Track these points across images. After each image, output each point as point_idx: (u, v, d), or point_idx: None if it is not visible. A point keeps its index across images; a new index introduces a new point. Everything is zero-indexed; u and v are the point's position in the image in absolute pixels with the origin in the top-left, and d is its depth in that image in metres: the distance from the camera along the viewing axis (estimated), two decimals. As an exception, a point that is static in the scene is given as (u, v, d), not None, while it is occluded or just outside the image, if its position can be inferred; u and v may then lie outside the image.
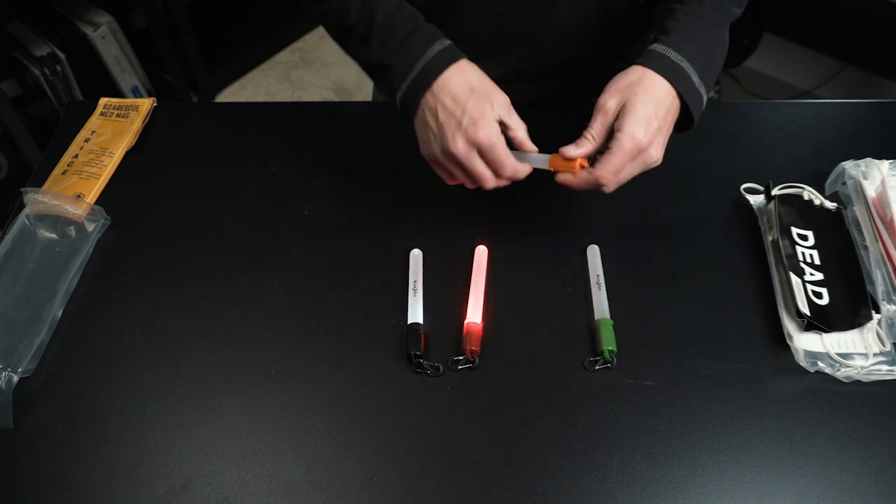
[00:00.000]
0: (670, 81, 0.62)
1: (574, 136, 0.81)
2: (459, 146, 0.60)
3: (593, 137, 0.63)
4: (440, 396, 0.62)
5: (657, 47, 0.64)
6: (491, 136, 0.59)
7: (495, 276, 0.71)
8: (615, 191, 0.62)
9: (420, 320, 0.66)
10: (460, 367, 0.64)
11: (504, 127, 0.62)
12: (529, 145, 0.64)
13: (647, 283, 0.70)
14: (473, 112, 0.59)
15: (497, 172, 0.62)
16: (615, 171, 0.61)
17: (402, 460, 0.58)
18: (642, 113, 0.60)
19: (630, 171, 0.62)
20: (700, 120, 0.65)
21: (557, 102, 0.88)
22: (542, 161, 0.64)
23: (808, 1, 1.88)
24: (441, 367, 0.63)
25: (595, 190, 0.63)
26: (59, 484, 0.58)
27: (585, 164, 0.63)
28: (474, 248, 0.73)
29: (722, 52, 0.68)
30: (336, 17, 0.67)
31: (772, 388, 0.62)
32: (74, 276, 0.72)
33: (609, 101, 0.62)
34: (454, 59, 0.61)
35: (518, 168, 0.63)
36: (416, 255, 0.72)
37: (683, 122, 0.66)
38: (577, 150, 0.63)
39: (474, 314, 0.66)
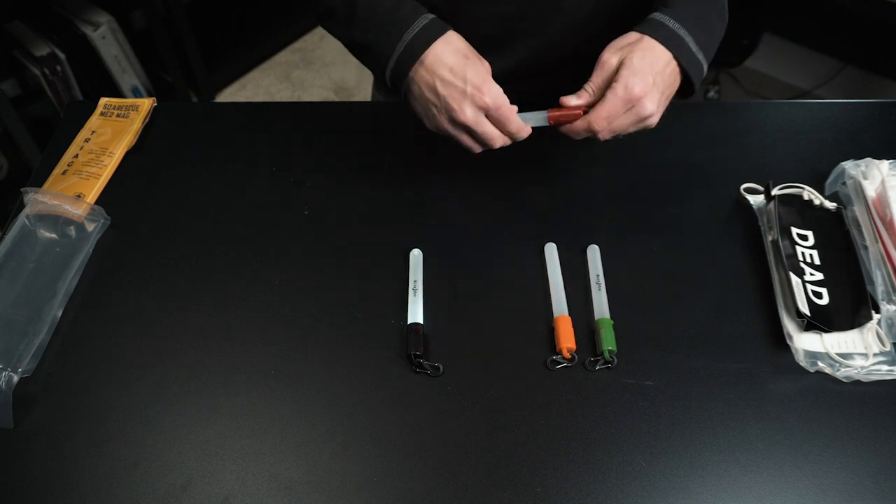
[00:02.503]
0: (668, 48, 0.65)
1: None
2: (468, 114, 0.61)
3: (592, 91, 0.65)
4: (440, 396, 0.62)
5: (656, 16, 0.67)
6: (496, 97, 0.61)
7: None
8: (620, 191, 0.62)
9: (420, 320, 0.66)
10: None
11: None
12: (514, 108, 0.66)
13: (647, 283, 0.70)
14: (475, 79, 0.60)
15: (503, 130, 0.64)
16: (607, 117, 0.63)
17: (402, 460, 0.58)
18: (638, 66, 0.63)
19: (624, 121, 0.64)
20: (700, 89, 0.69)
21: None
22: (541, 118, 0.66)
23: (808, 1, 1.88)
24: (441, 367, 0.63)
25: (592, 139, 0.65)
26: (59, 484, 0.58)
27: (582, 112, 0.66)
28: (475, 248, 0.73)
29: (720, 20, 0.70)
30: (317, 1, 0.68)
31: (772, 388, 0.62)
32: (74, 276, 0.72)
33: (611, 58, 0.65)
34: (440, 32, 0.62)
35: (521, 125, 0.64)
36: (416, 255, 0.72)
37: (685, 90, 0.68)
38: (577, 100, 0.65)
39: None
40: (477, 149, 0.66)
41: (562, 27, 0.79)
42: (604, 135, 0.65)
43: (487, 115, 0.63)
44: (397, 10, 0.64)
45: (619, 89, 0.62)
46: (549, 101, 0.88)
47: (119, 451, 0.60)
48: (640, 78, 0.62)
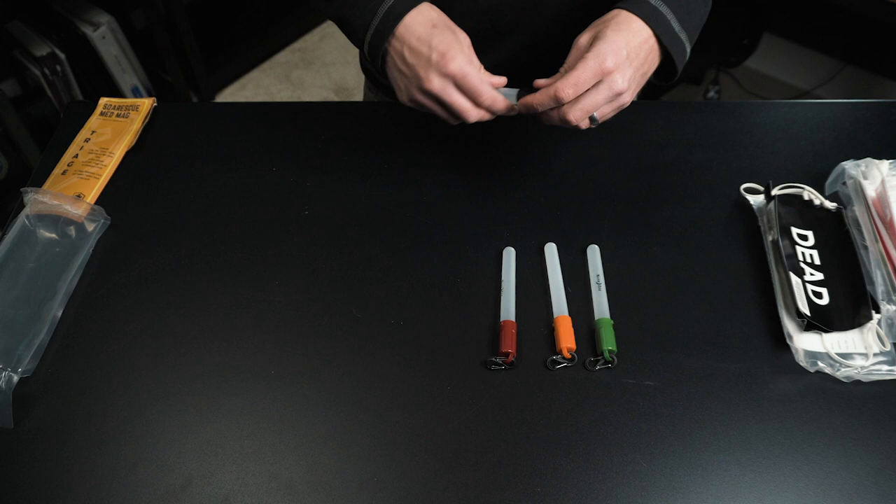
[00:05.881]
0: (648, 24, 0.62)
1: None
2: (434, 82, 0.60)
3: (565, 70, 0.63)
4: (440, 396, 0.62)
5: None
6: (462, 66, 0.59)
7: (494, 276, 0.71)
8: (620, 191, 0.61)
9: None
10: (493, 367, 0.63)
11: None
12: (496, 79, 0.64)
13: (647, 283, 0.70)
14: (440, 46, 0.59)
15: (476, 102, 0.62)
16: (574, 85, 0.59)
17: (402, 460, 0.58)
18: (612, 39, 0.60)
19: (596, 98, 0.61)
20: (683, 71, 0.67)
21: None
22: (513, 95, 0.65)
23: (808, 1, 1.88)
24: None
25: (558, 118, 0.62)
26: (59, 484, 0.58)
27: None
28: (474, 248, 0.73)
29: (704, 3, 0.69)
30: None
31: (772, 388, 0.62)
32: (74, 276, 0.72)
33: (582, 36, 0.63)
34: (413, 4, 0.61)
35: (496, 97, 0.62)
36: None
37: (668, 72, 0.67)
38: (547, 81, 0.63)
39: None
40: (452, 121, 0.64)
41: (547, 20, 0.79)
42: (575, 114, 0.61)
43: (456, 86, 0.61)
44: None
45: (589, 59, 0.59)
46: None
47: (119, 451, 0.60)
48: (612, 49, 0.59)
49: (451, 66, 0.58)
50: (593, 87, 0.60)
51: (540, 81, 0.64)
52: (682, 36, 0.64)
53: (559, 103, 0.61)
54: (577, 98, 0.61)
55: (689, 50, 0.66)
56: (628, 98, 0.63)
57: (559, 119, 0.62)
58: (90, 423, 0.61)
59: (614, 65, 0.59)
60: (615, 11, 0.64)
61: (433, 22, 0.60)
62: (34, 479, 0.58)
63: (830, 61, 2.04)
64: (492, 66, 0.83)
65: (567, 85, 0.59)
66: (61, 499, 0.57)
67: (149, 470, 0.58)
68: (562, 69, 0.63)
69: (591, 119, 0.63)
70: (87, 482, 0.58)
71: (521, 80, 0.85)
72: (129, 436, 0.61)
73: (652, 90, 0.99)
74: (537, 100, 0.62)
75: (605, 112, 0.63)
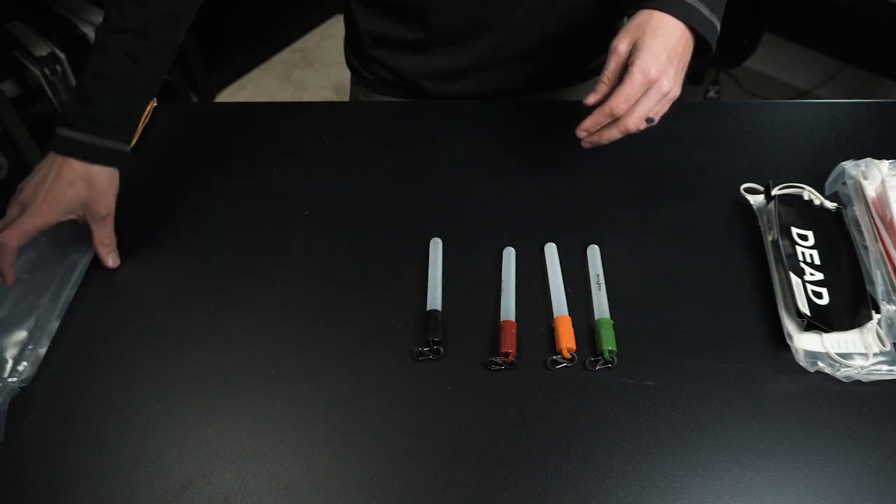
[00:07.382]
0: (681, 19, 0.65)
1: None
2: (13, 210, 0.66)
3: (608, 80, 0.66)
4: (440, 396, 0.62)
5: None
6: (12, 231, 0.64)
7: (494, 276, 0.71)
8: (620, 191, 0.61)
9: (438, 307, 0.67)
10: (493, 367, 0.64)
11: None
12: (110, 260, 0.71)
13: (647, 283, 0.70)
14: (37, 201, 0.65)
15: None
16: (626, 100, 0.63)
17: (402, 460, 0.58)
18: (652, 47, 0.63)
19: (647, 103, 0.64)
20: (715, 51, 0.69)
21: (531, 89, 0.89)
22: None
23: (808, 1, 1.88)
24: (441, 350, 0.64)
25: (619, 130, 0.66)
26: (59, 484, 0.58)
27: None
28: (474, 249, 0.73)
29: None
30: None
31: (772, 388, 0.62)
32: (76, 279, 0.71)
33: (620, 43, 0.65)
34: (75, 155, 0.65)
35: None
36: (435, 243, 0.73)
37: (702, 50, 0.69)
38: (596, 96, 0.66)
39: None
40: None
41: (526, 14, 0.79)
42: (633, 121, 0.65)
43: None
44: (96, 109, 0.66)
45: (635, 73, 0.63)
46: (521, 91, 0.88)
47: (119, 451, 0.60)
48: (654, 59, 0.63)
49: (25, 221, 0.65)
50: (643, 94, 0.64)
51: (587, 99, 0.67)
52: (713, 19, 0.67)
53: (614, 118, 0.65)
54: (631, 108, 0.64)
55: (719, 27, 0.68)
56: (677, 91, 0.66)
57: (620, 131, 0.66)
58: (90, 423, 0.61)
59: (659, 72, 0.63)
60: (647, 13, 0.66)
61: (71, 179, 0.65)
62: (34, 479, 0.58)
63: (830, 61, 2.04)
64: (474, 60, 0.84)
65: (619, 102, 0.63)
66: (61, 499, 0.57)
67: (149, 470, 0.58)
68: (602, 77, 0.66)
69: (648, 120, 0.66)
70: (87, 482, 0.58)
71: (503, 71, 0.86)
72: (129, 436, 0.61)
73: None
74: (594, 120, 0.66)
75: (658, 110, 0.66)
